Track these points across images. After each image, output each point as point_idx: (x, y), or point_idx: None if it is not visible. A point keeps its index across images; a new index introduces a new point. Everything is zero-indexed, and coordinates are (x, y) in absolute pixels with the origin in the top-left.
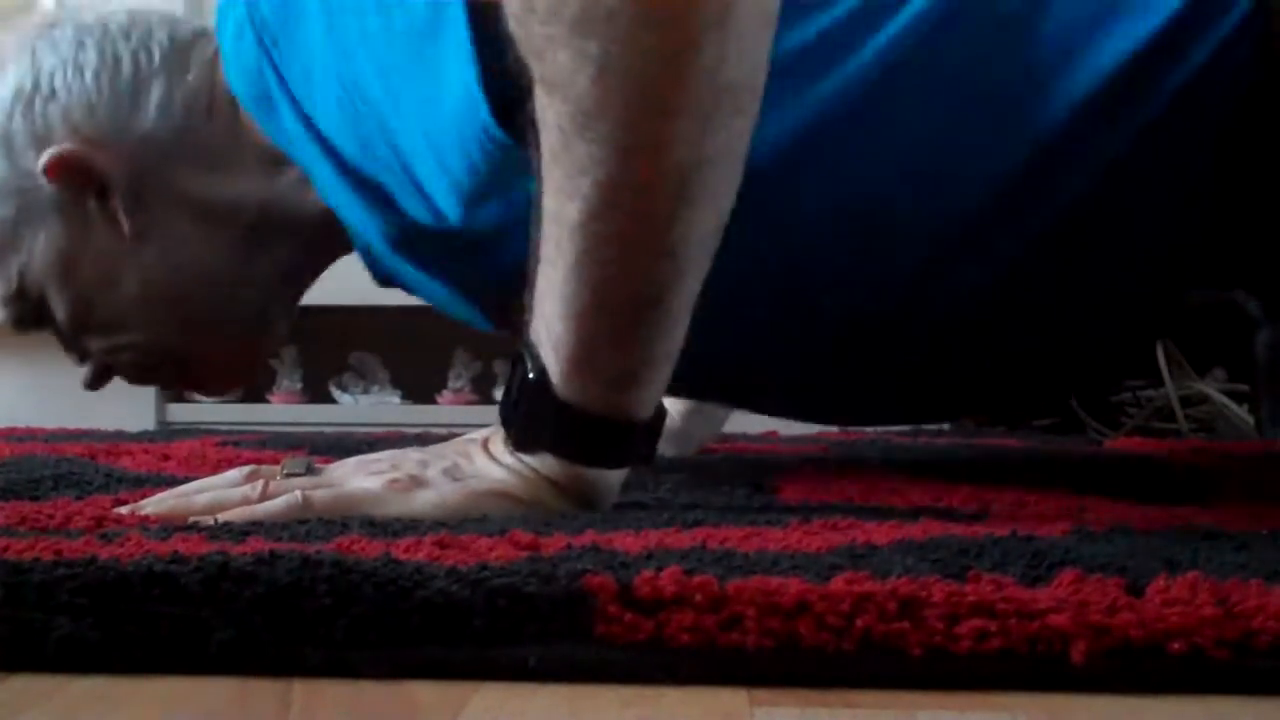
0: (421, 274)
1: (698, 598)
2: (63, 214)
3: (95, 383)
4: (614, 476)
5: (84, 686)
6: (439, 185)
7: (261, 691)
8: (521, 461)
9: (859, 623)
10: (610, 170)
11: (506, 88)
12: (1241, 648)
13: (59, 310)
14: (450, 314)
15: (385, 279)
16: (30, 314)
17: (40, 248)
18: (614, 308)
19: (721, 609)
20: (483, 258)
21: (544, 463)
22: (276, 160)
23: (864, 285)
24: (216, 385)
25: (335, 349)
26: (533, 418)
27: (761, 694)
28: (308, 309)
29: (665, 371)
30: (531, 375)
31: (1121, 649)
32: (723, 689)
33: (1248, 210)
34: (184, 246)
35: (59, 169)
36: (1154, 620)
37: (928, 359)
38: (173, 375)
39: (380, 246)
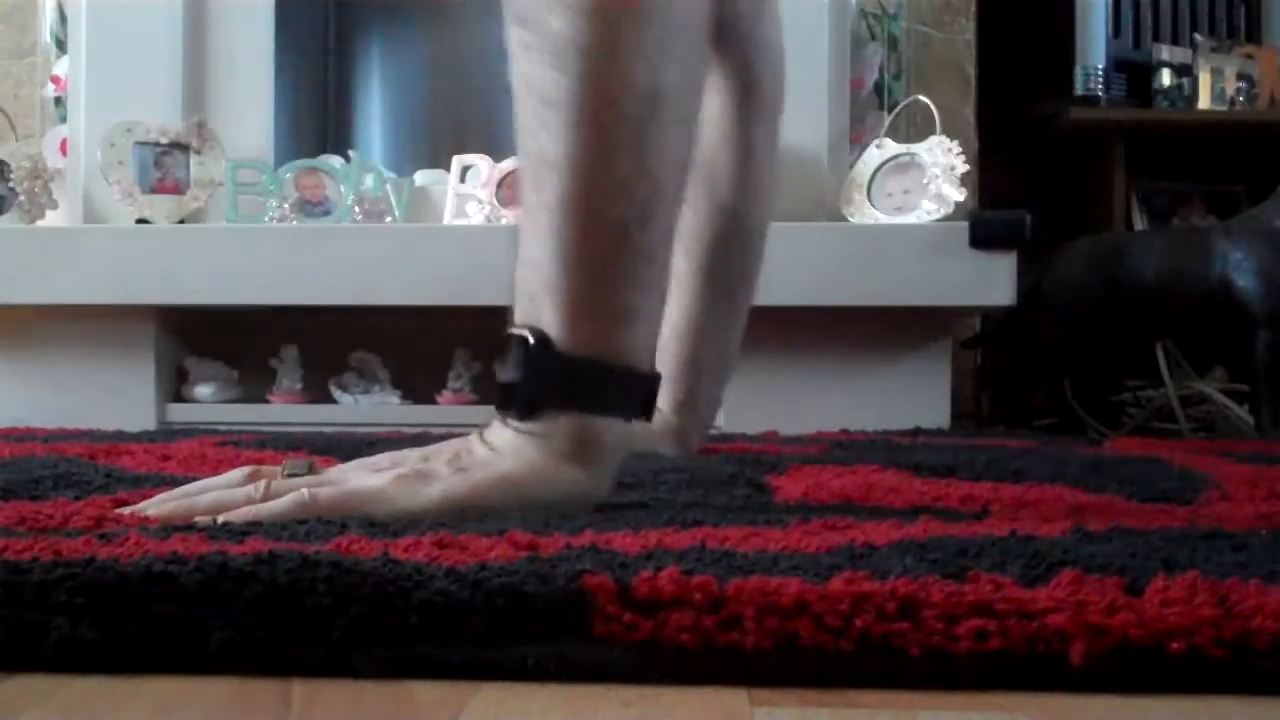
0: None
1: (697, 597)
2: None
3: None
4: (617, 432)
5: (83, 686)
6: None
7: (261, 691)
8: (522, 438)
9: (858, 623)
10: (577, 98)
11: None
12: (1240, 647)
13: None
14: None
15: None
16: None
17: None
18: (602, 234)
19: (720, 609)
20: None
21: (548, 427)
22: None
23: None
24: None
25: (335, 349)
26: (537, 376)
27: (761, 694)
28: (308, 309)
29: (657, 309)
30: (531, 340)
31: (1121, 649)
32: (723, 689)
33: None
34: None
35: None
36: (1153, 620)
37: None
38: None
39: None
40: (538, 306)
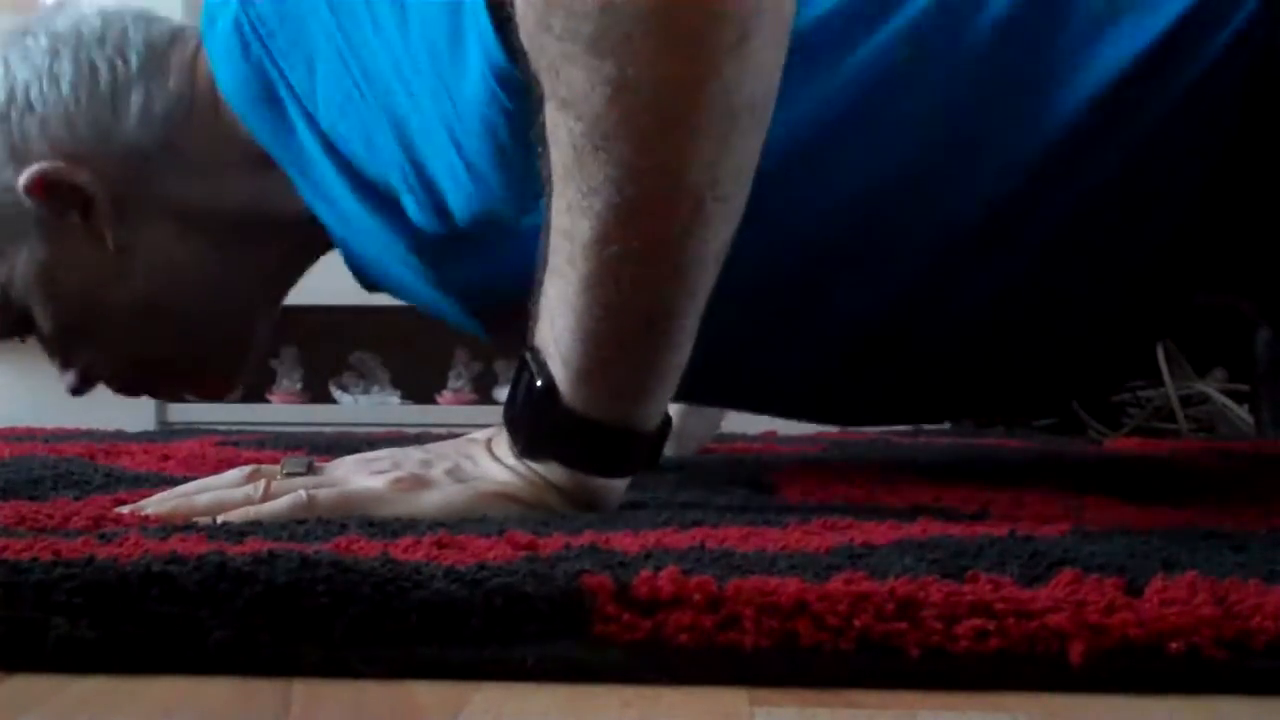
0: (418, 279)
1: (696, 597)
2: (45, 229)
3: (81, 388)
4: (619, 484)
5: (83, 687)
6: (455, 178)
7: (261, 691)
8: (526, 465)
9: (857, 622)
10: (624, 191)
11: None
12: (1240, 647)
13: (43, 322)
14: (444, 319)
15: (371, 284)
16: (14, 325)
17: (23, 261)
18: (624, 324)
19: (720, 609)
20: (486, 257)
21: (549, 469)
22: (259, 161)
23: (874, 282)
24: (204, 391)
25: (335, 349)
26: (539, 426)
27: (761, 694)
28: (308, 309)
29: (672, 383)
30: (539, 384)
31: (1120, 649)
32: (722, 689)
33: (1251, 212)
34: (168, 255)
35: (40, 187)
36: (1152, 620)
37: (934, 360)
38: (158, 383)
39: (367, 252)
40: (549, 354)
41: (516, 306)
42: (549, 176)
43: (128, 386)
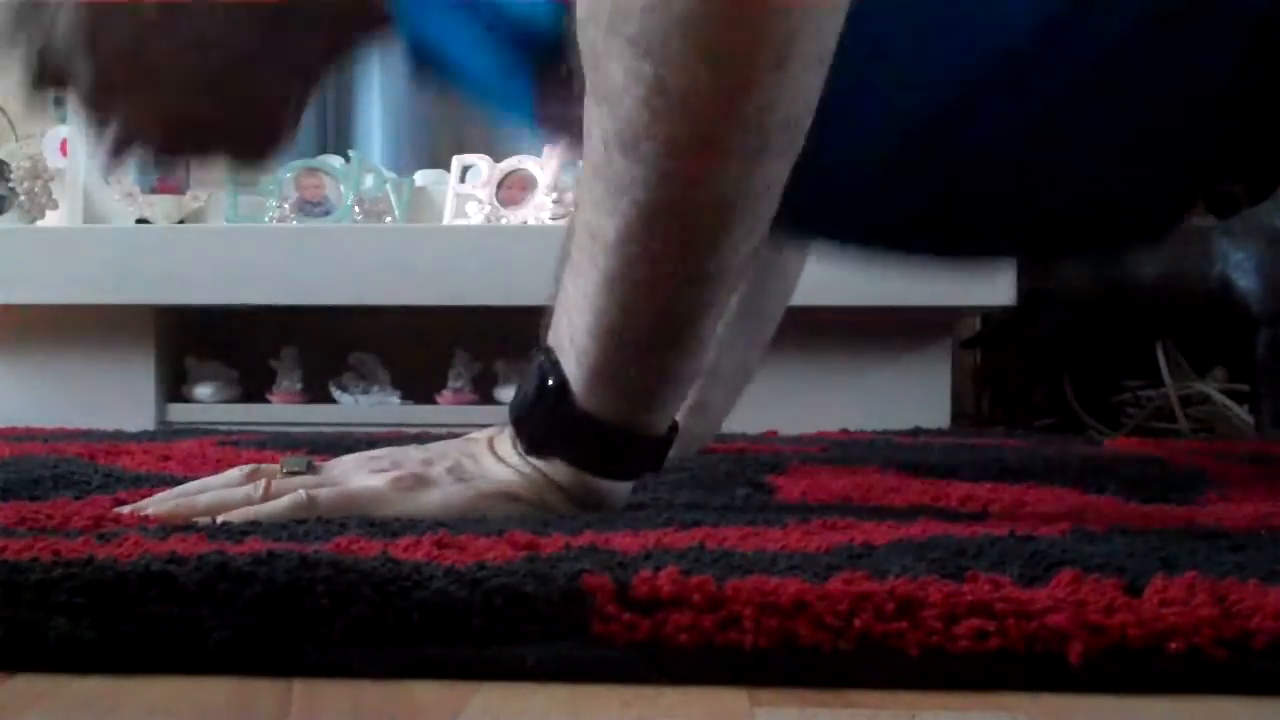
0: (461, 16)
1: (695, 597)
2: None
3: (117, 150)
4: (623, 486)
5: (83, 687)
6: None
7: (261, 691)
8: (529, 464)
9: (857, 622)
10: (651, 193)
11: None
12: (1239, 647)
13: (83, 74)
14: (484, 94)
15: (425, 65)
16: (55, 72)
17: (67, 8)
18: (641, 326)
19: (719, 609)
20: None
21: (554, 468)
22: None
23: (915, 87)
24: (240, 154)
25: (335, 349)
26: (549, 424)
27: (761, 694)
28: (308, 309)
29: (685, 389)
30: (551, 382)
31: (1119, 649)
32: (722, 689)
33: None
34: (214, 22)
35: None
36: (1152, 620)
37: (967, 179)
38: (193, 142)
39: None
40: (564, 352)
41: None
42: (579, 175)
43: (163, 144)
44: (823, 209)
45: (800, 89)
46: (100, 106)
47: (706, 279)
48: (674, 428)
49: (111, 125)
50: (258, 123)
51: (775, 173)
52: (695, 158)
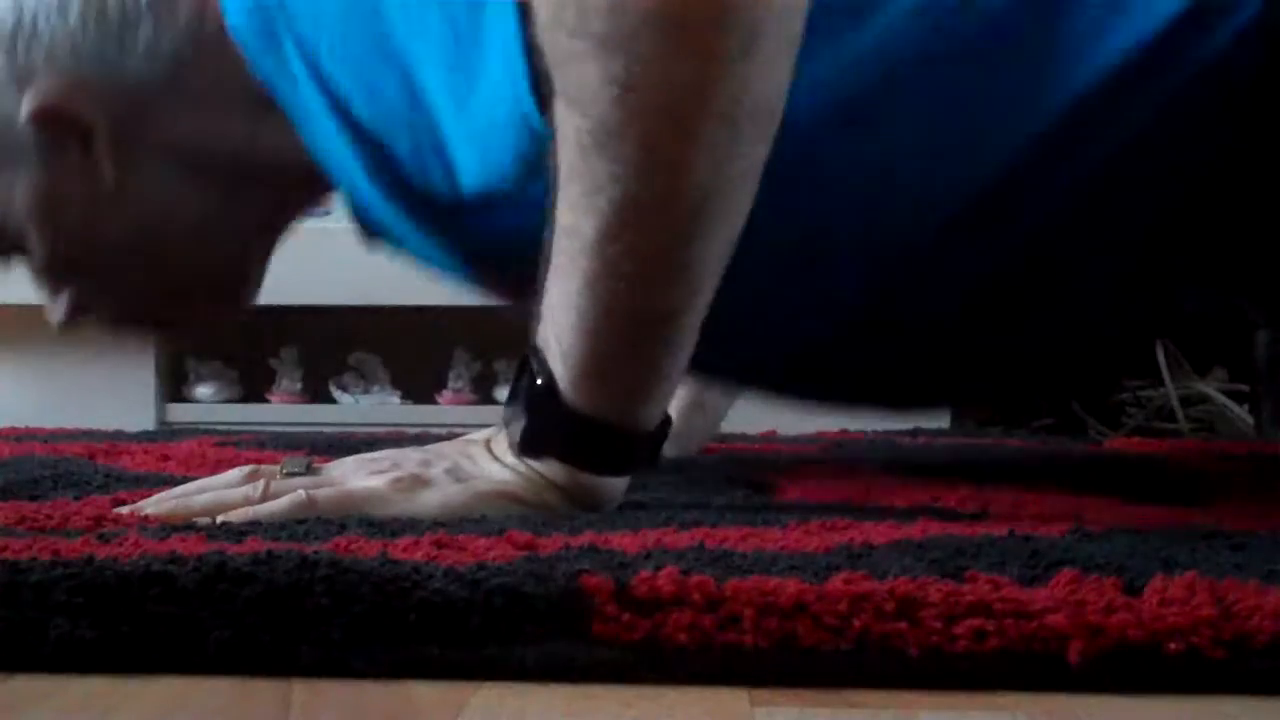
0: (416, 233)
1: (695, 597)
2: (43, 158)
3: (69, 320)
4: (619, 483)
5: (82, 687)
6: (468, 154)
7: (261, 691)
8: (526, 464)
9: (856, 623)
10: (627, 190)
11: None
12: (1239, 647)
13: (37, 249)
14: (438, 270)
15: (371, 234)
16: (6, 248)
17: (21, 188)
18: (626, 324)
19: (719, 609)
20: (476, 223)
21: (549, 467)
22: (262, 102)
23: (875, 250)
24: (190, 330)
25: (335, 349)
26: (539, 424)
27: (761, 694)
28: (308, 309)
29: (674, 383)
30: (540, 381)
31: (1119, 649)
32: (722, 689)
33: (1252, 205)
34: (164, 192)
35: (41, 116)
36: (1151, 620)
37: (931, 336)
38: (145, 320)
39: (369, 194)
40: (550, 352)
41: (514, 274)
42: (554, 176)
43: (115, 321)
44: (785, 370)
45: (770, 75)
46: (51, 281)
47: (688, 271)
48: (667, 422)
49: (61, 296)
50: (207, 299)
51: (751, 161)
52: (669, 150)
